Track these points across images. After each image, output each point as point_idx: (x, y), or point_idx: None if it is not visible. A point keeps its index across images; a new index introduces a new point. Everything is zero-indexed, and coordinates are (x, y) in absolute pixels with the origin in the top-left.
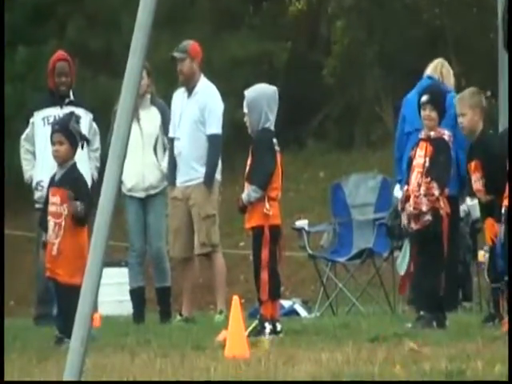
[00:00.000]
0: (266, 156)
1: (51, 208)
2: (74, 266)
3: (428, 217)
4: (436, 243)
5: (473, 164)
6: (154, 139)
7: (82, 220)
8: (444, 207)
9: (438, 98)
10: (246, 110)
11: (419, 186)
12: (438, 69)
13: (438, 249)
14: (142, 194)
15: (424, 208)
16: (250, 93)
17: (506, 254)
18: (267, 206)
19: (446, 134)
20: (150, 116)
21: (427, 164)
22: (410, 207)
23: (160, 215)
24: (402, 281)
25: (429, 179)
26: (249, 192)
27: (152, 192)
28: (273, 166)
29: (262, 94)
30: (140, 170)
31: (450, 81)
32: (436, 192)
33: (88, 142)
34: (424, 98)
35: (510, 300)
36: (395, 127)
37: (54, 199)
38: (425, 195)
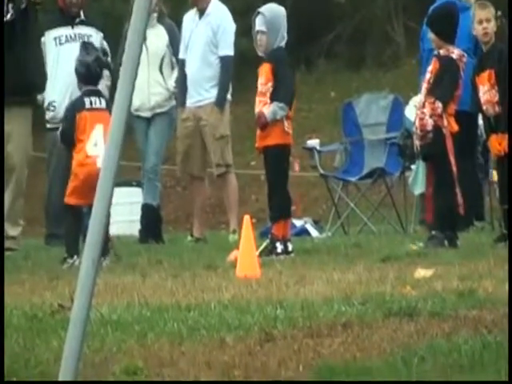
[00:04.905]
0: (289, 73)
1: None
2: (67, 186)
3: (430, 135)
4: (441, 162)
5: (485, 74)
6: (159, 58)
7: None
8: (447, 126)
9: (433, 21)
10: (263, 29)
11: (424, 104)
12: None
13: (444, 167)
14: (148, 114)
15: (429, 128)
16: (268, 12)
17: None
18: (286, 124)
19: (456, 53)
20: (157, 35)
21: (431, 80)
22: (416, 129)
23: (161, 133)
24: (427, 207)
25: (433, 99)
26: (274, 109)
27: (158, 111)
28: (294, 84)
29: (279, 13)
30: (145, 89)
31: None
32: (440, 111)
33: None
34: (425, 21)
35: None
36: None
37: None
38: (430, 116)
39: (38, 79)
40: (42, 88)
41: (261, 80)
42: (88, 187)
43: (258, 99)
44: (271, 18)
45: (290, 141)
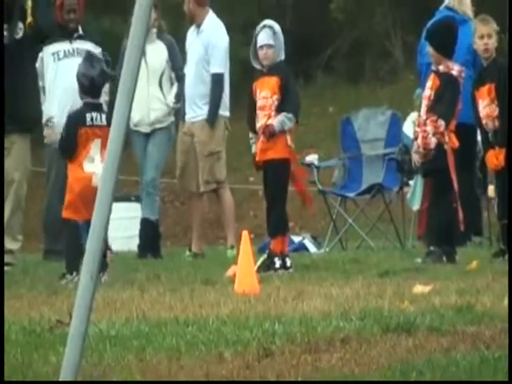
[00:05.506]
0: (295, 86)
1: None
2: (65, 199)
3: (432, 151)
4: (442, 178)
5: (485, 88)
6: (159, 74)
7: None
8: (449, 142)
9: (433, 36)
10: (271, 42)
11: (425, 122)
12: None
13: (445, 183)
14: (147, 129)
15: (433, 146)
16: (274, 25)
17: None
18: (289, 138)
19: (455, 69)
20: (156, 50)
21: (432, 97)
22: (419, 148)
23: (160, 147)
24: (419, 222)
25: (435, 117)
26: (283, 120)
27: (157, 126)
28: (299, 97)
29: (279, 27)
30: (145, 104)
31: (465, 9)
32: (442, 128)
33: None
34: (424, 35)
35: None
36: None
37: None
38: (433, 134)
39: (32, 112)
40: (38, 120)
41: (264, 93)
42: (83, 203)
43: (260, 113)
44: (278, 31)
45: (291, 155)
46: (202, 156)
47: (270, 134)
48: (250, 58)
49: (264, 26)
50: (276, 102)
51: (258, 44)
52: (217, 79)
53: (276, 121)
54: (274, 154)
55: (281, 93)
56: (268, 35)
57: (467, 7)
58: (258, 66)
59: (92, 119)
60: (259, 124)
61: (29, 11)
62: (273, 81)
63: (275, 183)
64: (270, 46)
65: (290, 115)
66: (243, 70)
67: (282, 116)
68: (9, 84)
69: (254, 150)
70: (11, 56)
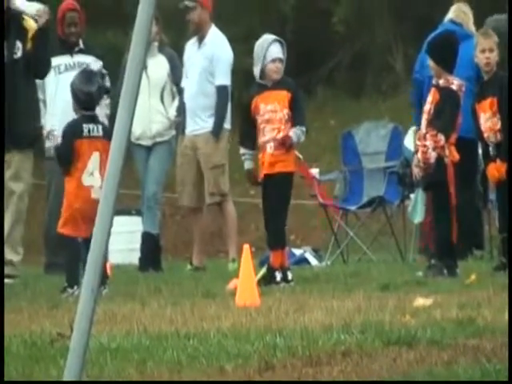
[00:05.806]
0: (304, 100)
1: None
2: (62, 215)
3: (433, 165)
4: (441, 191)
5: (487, 102)
6: (160, 87)
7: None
8: (449, 155)
9: (433, 49)
10: (281, 56)
11: (425, 136)
12: (458, 12)
13: (443, 196)
14: (148, 142)
15: (432, 161)
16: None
17: None
18: (296, 152)
19: (455, 84)
20: (158, 64)
21: (432, 112)
22: (419, 162)
23: (161, 161)
24: (421, 235)
25: (435, 131)
26: (299, 133)
27: (158, 140)
28: None
29: None
30: (146, 118)
31: (468, 25)
32: (442, 143)
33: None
34: (424, 48)
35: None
36: (406, 75)
37: None
38: (433, 148)
39: (31, 129)
40: (37, 136)
41: (271, 107)
42: (82, 218)
43: (267, 126)
44: (284, 45)
45: (301, 167)
46: (206, 168)
47: (289, 146)
48: (256, 73)
49: (274, 40)
50: (286, 116)
51: (271, 57)
52: (222, 91)
53: (293, 133)
54: (284, 168)
55: (290, 106)
56: (279, 49)
57: (470, 22)
58: (261, 81)
59: (89, 130)
60: (266, 138)
61: (29, 34)
62: (282, 94)
63: (280, 196)
64: (281, 60)
65: (304, 128)
66: (245, 81)
67: (297, 129)
68: (7, 102)
69: (248, 166)
70: (10, 75)
